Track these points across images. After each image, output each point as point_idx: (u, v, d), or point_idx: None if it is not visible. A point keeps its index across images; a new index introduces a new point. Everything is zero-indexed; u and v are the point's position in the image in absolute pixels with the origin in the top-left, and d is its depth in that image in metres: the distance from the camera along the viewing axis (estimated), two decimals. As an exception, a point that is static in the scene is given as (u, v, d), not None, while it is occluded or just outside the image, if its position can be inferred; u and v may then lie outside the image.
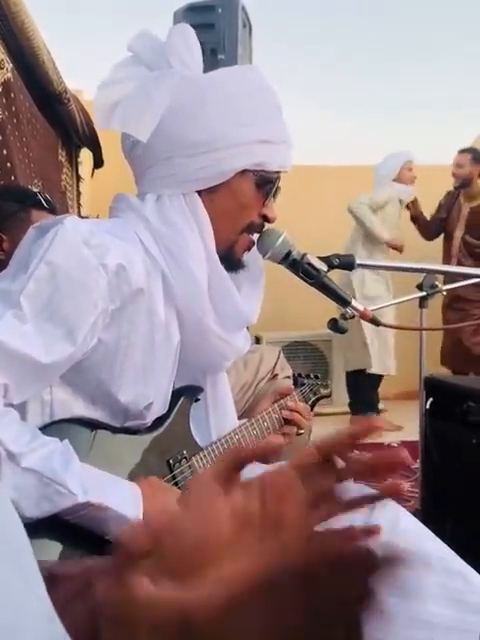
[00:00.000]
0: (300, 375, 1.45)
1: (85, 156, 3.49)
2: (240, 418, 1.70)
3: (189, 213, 1.01)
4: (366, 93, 6.28)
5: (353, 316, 1.73)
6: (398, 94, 6.16)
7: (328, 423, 3.91)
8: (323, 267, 1.05)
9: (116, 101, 1.00)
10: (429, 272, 1.31)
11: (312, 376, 1.46)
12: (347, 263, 1.06)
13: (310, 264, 1.04)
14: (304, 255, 1.05)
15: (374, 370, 3.91)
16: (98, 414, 0.98)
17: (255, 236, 1.08)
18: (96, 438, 0.95)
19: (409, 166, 3.96)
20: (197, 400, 1.15)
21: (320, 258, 1.06)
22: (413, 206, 4.09)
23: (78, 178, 3.41)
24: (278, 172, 1.05)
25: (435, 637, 0.99)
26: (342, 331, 1.76)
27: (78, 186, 3.38)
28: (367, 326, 3.86)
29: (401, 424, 3.89)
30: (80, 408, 0.96)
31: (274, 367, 1.81)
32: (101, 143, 3.31)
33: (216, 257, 1.02)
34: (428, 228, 4.20)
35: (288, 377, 1.85)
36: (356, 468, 0.45)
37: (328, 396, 1.49)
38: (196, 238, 1.00)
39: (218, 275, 1.03)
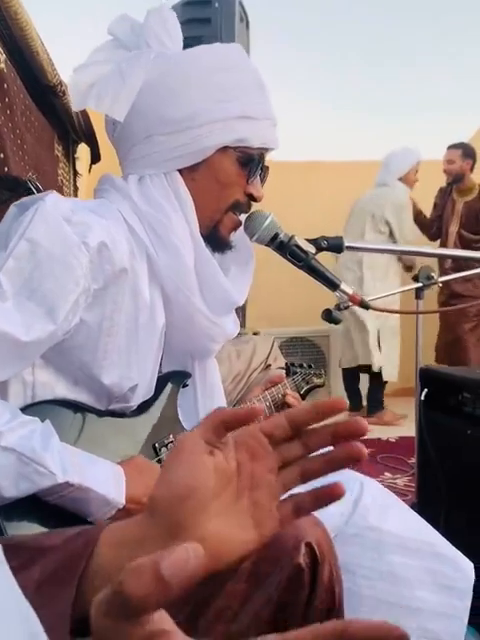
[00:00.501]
0: (293, 364, 1.44)
1: (83, 151, 3.48)
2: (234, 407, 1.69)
3: (171, 193, 1.00)
4: (365, 88, 6.27)
5: (347, 307, 1.72)
6: (398, 89, 6.15)
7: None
8: (311, 249, 1.04)
9: (91, 82, 0.99)
10: (422, 255, 1.30)
11: (305, 365, 1.45)
12: (335, 245, 1.05)
13: (298, 246, 1.03)
14: (291, 237, 1.04)
15: (381, 372, 3.92)
16: (82, 396, 0.97)
17: (243, 217, 1.07)
18: (79, 420, 0.94)
19: (417, 168, 3.96)
20: (185, 386, 1.14)
21: (308, 240, 1.05)
22: (413, 206, 4.09)
23: (75, 173, 3.40)
24: (261, 149, 1.04)
25: (423, 622, 0.98)
26: (336, 322, 1.75)
27: (75, 181, 3.37)
28: (374, 329, 3.88)
29: (403, 419, 3.89)
30: (63, 390, 0.95)
31: (267, 357, 1.80)
32: (98, 138, 3.30)
33: (199, 237, 1.01)
34: (429, 227, 4.21)
35: (281, 368, 1.84)
36: (319, 438, 0.48)
37: (322, 385, 1.48)
38: (179, 217, 0.99)
39: (203, 255, 1.02)
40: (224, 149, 1.01)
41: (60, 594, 0.42)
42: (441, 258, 3.92)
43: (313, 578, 0.77)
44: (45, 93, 2.48)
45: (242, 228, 1.08)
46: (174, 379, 1.12)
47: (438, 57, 6.21)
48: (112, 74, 0.98)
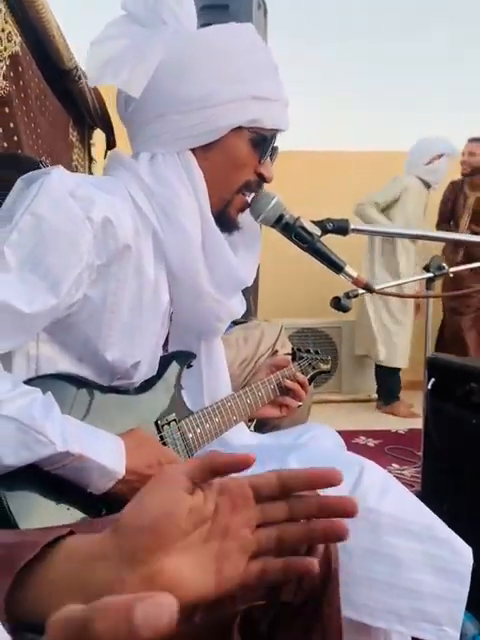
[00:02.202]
0: (299, 349, 1.44)
1: (98, 137, 3.49)
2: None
3: (183, 171, 1.00)
4: (386, 77, 6.20)
5: (356, 295, 1.72)
6: (420, 79, 6.07)
7: (333, 410, 3.92)
8: (316, 231, 1.04)
9: (109, 57, 0.98)
10: (430, 239, 1.30)
11: (312, 351, 1.45)
12: (341, 228, 1.05)
13: (303, 228, 1.03)
14: (297, 219, 1.04)
15: (397, 363, 3.93)
16: (85, 372, 0.97)
17: (250, 198, 1.07)
18: (81, 395, 0.94)
19: (438, 158, 3.90)
20: (190, 366, 1.15)
21: (314, 222, 1.05)
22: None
23: (90, 159, 3.41)
24: (274, 130, 1.04)
25: (421, 605, 0.98)
26: (345, 310, 1.75)
27: (90, 167, 3.39)
28: (388, 319, 3.87)
29: (417, 411, 3.88)
30: (67, 365, 0.96)
31: (274, 343, 1.81)
32: (114, 124, 3.31)
33: (210, 216, 1.02)
34: (442, 222, 4.19)
35: (288, 353, 1.84)
36: (306, 507, 0.47)
37: (328, 371, 1.48)
38: (190, 197, 1.00)
39: (212, 235, 1.02)
40: (238, 129, 1.01)
41: None
42: (453, 252, 3.91)
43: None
44: (61, 78, 2.49)
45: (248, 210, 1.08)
46: (179, 359, 1.12)
47: (463, 50, 6.12)
48: (129, 49, 0.98)
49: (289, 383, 1.26)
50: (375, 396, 4.21)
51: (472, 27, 5.84)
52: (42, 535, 0.45)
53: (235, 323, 2.09)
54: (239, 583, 0.45)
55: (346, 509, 0.46)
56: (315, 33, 5.84)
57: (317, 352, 1.45)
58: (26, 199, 0.87)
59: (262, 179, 1.06)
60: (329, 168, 4.75)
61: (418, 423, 3.36)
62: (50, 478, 0.84)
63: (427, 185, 3.94)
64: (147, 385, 1.07)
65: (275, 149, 1.07)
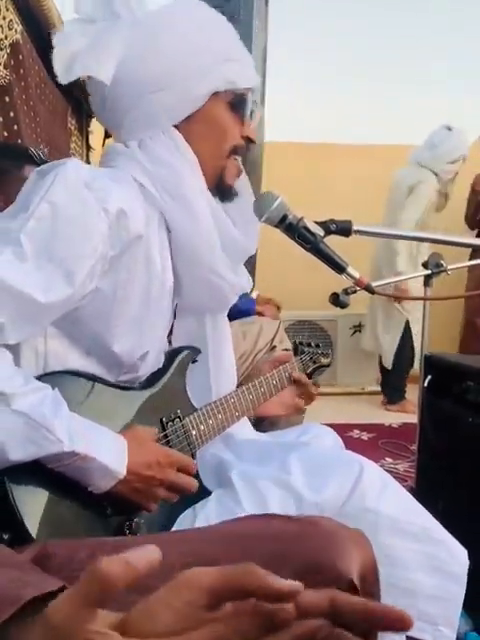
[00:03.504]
0: (301, 343, 1.44)
1: (96, 126, 3.47)
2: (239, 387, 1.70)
3: (174, 148, 1.02)
4: (386, 70, 6.16)
5: (355, 291, 1.73)
6: (422, 72, 6.04)
7: (327, 402, 3.93)
8: (320, 232, 1.04)
9: (72, 53, 0.97)
10: (435, 242, 1.30)
11: (313, 344, 1.45)
12: (344, 228, 1.05)
13: (306, 228, 1.03)
14: (300, 219, 1.03)
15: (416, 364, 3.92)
16: (93, 366, 0.98)
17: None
18: (88, 390, 0.95)
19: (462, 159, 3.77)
20: (195, 361, 1.14)
21: (317, 223, 1.05)
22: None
23: (88, 147, 3.40)
24: (248, 89, 1.07)
25: (418, 605, 1.00)
26: (343, 306, 1.75)
27: (88, 155, 3.37)
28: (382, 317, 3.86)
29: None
30: (75, 360, 0.96)
31: (273, 339, 1.81)
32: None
33: (206, 188, 1.04)
34: (474, 215, 4.11)
35: (287, 349, 1.85)
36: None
37: (328, 365, 1.48)
38: (188, 171, 1.01)
39: (214, 209, 1.04)
40: (215, 95, 1.03)
41: None
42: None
43: None
44: (60, 66, 2.46)
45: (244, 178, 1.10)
46: (184, 354, 1.12)
47: (468, 44, 6.09)
48: (92, 42, 0.98)
49: (302, 376, 1.27)
50: (370, 388, 4.23)
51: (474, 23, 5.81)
52: (34, 585, 0.43)
53: (233, 318, 2.09)
54: None
55: (403, 622, 0.36)
56: (316, 23, 5.80)
57: (318, 345, 1.46)
58: (42, 188, 0.87)
59: (249, 140, 1.09)
60: (329, 160, 4.74)
61: (411, 417, 3.40)
62: (55, 475, 0.85)
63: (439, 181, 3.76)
64: (153, 380, 1.07)
65: (254, 108, 1.09)
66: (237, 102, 1.05)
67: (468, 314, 4.10)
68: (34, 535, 0.82)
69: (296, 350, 1.38)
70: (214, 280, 1.06)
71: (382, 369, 4.09)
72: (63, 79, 0.99)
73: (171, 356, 1.10)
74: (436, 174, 3.74)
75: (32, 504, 0.84)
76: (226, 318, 1.21)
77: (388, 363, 3.92)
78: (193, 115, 1.02)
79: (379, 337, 3.99)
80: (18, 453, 0.79)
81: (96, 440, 0.86)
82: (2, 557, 0.55)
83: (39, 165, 1.57)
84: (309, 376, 1.38)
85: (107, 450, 0.87)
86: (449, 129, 3.74)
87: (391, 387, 4.01)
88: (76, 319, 0.94)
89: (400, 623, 0.37)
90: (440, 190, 3.82)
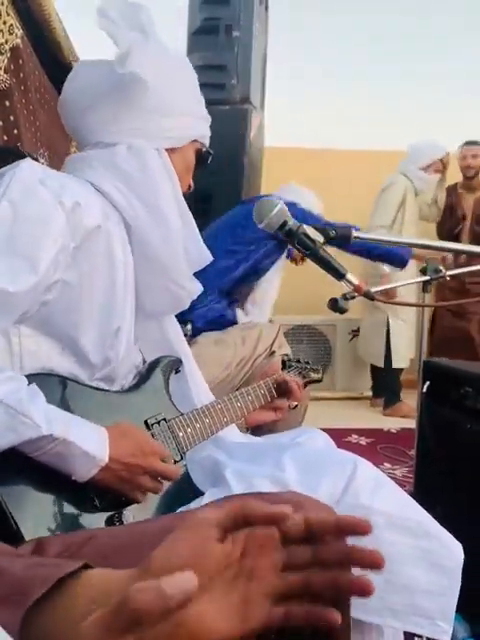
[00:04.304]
0: (290, 359, 1.45)
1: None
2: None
3: (161, 165, 1.09)
4: (385, 77, 6.19)
5: (354, 296, 1.73)
6: (420, 80, 6.06)
7: (325, 407, 3.93)
8: (319, 238, 1.04)
9: (130, 44, 1.04)
10: (432, 249, 1.30)
11: (302, 361, 1.46)
12: (343, 235, 1.05)
13: (306, 235, 1.04)
14: (300, 226, 1.04)
15: (398, 363, 3.92)
16: (67, 363, 1.00)
17: None
18: (69, 393, 0.96)
19: (439, 162, 3.86)
20: (177, 371, 1.16)
21: (317, 229, 1.06)
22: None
23: (88, 152, 3.39)
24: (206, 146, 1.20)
25: (414, 600, 1.00)
26: (342, 311, 1.75)
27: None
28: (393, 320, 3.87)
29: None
30: (51, 358, 0.98)
31: (272, 344, 1.82)
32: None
33: (182, 198, 1.12)
34: (442, 227, 4.19)
35: (286, 354, 1.85)
36: (331, 556, 0.47)
37: (319, 381, 1.49)
38: (169, 187, 1.09)
39: (187, 215, 1.12)
40: (193, 141, 1.16)
41: (5, 622, 0.41)
42: (455, 254, 3.90)
43: None
44: (60, 70, 2.47)
45: None
46: (165, 362, 1.15)
47: (466, 51, 6.11)
48: (141, 45, 1.05)
49: (286, 378, 1.28)
50: (368, 393, 4.23)
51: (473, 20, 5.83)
52: (57, 567, 0.45)
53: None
54: (261, 627, 0.45)
55: (374, 562, 0.46)
56: (316, 29, 5.82)
57: (308, 362, 1.47)
58: (0, 189, 0.93)
59: (188, 189, 1.20)
60: (329, 165, 4.75)
61: (410, 423, 3.40)
62: (38, 468, 0.86)
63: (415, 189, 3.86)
64: (134, 385, 1.09)
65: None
66: (203, 154, 1.19)
67: (453, 318, 4.12)
68: (23, 531, 0.83)
69: (284, 365, 1.39)
70: (173, 288, 1.12)
71: (373, 375, 4.13)
72: (119, 65, 1.04)
73: (152, 365, 1.13)
74: (411, 180, 3.85)
75: (19, 500, 0.85)
76: (175, 320, 1.26)
77: (401, 363, 3.94)
78: (174, 150, 1.12)
79: (368, 340, 4.00)
80: None
81: (75, 426, 0.88)
82: (8, 550, 0.57)
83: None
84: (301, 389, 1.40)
85: (87, 436, 0.89)
86: (432, 140, 3.89)
87: (386, 390, 4.02)
88: (47, 315, 0.97)
89: (363, 528, 0.46)
90: (425, 200, 3.93)
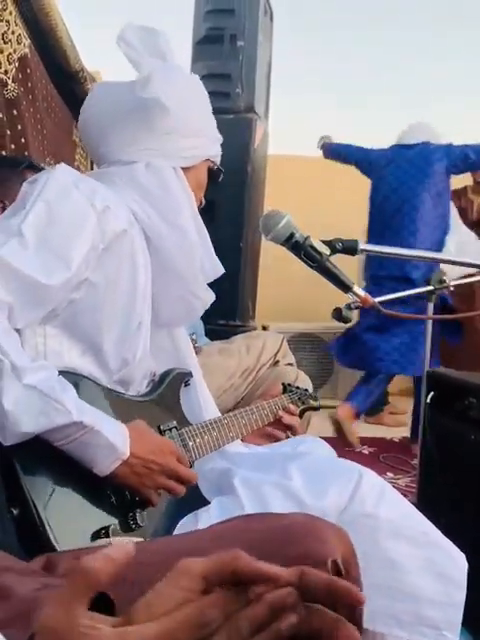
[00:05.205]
0: (289, 385, 1.46)
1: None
2: (242, 401, 1.72)
3: (178, 182, 1.13)
4: (391, 85, 6.21)
5: (358, 306, 1.73)
6: (419, 85, 6.08)
7: (328, 416, 3.92)
8: (326, 251, 1.05)
9: (150, 71, 1.09)
10: (436, 261, 1.31)
11: (302, 388, 1.47)
12: (350, 248, 1.06)
13: (313, 247, 1.04)
14: (307, 238, 1.05)
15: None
16: (88, 365, 1.03)
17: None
18: (89, 392, 0.98)
19: None
20: (187, 384, 1.18)
21: (323, 242, 1.06)
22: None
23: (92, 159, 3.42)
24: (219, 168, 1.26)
25: (420, 609, 0.99)
26: (346, 321, 1.75)
27: (92, 167, 3.39)
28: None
29: (405, 419, 3.89)
30: (72, 359, 1.01)
31: (276, 354, 1.82)
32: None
33: (198, 213, 1.17)
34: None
35: (290, 364, 1.86)
36: (321, 620, 0.43)
37: (316, 409, 1.50)
38: (188, 203, 1.13)
39: (202, 228, 1.16)
40: (206, 160, 1.21)
41: None
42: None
43: None
44: (66, 79, 2.49)
45: None
46: (175, 373, 1.17)
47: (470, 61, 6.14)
48: (162, 71, 1.10)
49: (287, 419, 1.30)
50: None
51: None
52: (46, 588, 0.45)
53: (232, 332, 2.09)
54: None
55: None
56: (320, 38, 5.85)
57: (306, 390, 1.48)
58: (36, 189, 0.98)
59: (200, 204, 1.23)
60: (333, 173, 4.76)
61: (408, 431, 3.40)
62: (61, 459, 0.88)
63: None
64: (148, 392, 1.12)
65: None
66: (214, 171, 1.23)
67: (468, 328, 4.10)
68: (43, 516, 0.85)
69: (284, 390, 1.41)
70: (189, 298, 1.15)
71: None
72: (140, 90, 1.09)
73: (164, 375, 1.16)
74: None
75: (40, 486, 0.88)
76: (185, 333, 1.28)
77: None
78: (188, 168, 1.16)
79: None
80: (29, 425, 0.84)
81: (100, 418, 0.91)
82: (18, 566, 0.57)
83: (39, 169, 1.58)
84: (300, 415, 1.41)
85: (112, 428, 0.91)
86: None
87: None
88: (72, 315, 1.01)
89: (356, 600, 0.42)
90: None
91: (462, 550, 1.07)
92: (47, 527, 0.85)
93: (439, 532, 1.05)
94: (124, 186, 1.10)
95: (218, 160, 1.25)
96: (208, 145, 1.21)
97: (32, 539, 0.84)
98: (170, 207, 1.11)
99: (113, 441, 0.89)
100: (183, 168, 1.15)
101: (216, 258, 1.20)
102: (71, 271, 0.95)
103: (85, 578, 0.38)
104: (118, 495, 0.96)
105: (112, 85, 1.19)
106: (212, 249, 1.19)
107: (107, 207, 1.00)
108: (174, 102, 1.10)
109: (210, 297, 1.19)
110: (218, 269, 1.20)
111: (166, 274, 1.12)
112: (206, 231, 1.18)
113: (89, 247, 0.98)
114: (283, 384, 1.43)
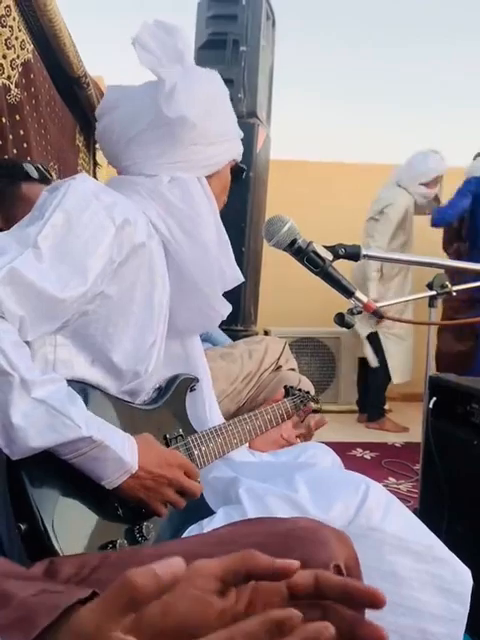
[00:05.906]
0: (292, 387, 1.46)
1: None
2: (244, 406, 1.72)
3: (203, 194, 1.11)
4: (391, 90, 6.23)
5: (360, 311, 1.73)
6: (420, 89, 6.10)
7: (330, 420, 3.91)
8: (328, 256, 1.05)
9: (172, 83, 1.07)
10: (439, 267, 1.31)
11: (303, 391, 1.47)
12: (353, 253, 1.06)
13: (315, 253, 1.04)
14: (309, 243, 1.05)
15: (394, 378, 3.91)
16: (96, 375, 1.02)
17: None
18: (97, 402, 0.98)
19: (440, 178, 3.89)
20: (193, 389, 1.17)
21: (326, 247, 1.06)
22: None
23: (95, 163, 3.43)
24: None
25: (424, 624, 0.99)
26: (348, 326, 1.75)
27: (95, 172, 3.39)
28: (390, 335, 3.86)
29: (406, 425, 3.89)
30: (81, 369, 1.00)
31: (278, 358, 1.81)
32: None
33: (220, 221, 1.14)
34: (448, 246, 4.17)
35: (293, 369, 1.85)
36: (339, 618, 0.43)
37: (317, 411, 1.51)
38: (210, 215, 1.11)
39: (223, 236, 1.14)
40: (230, 161, 1.18)
41: None
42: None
43: None
44: (70, 84, 2.50)
45: None
46: (181, 379, 1.16)
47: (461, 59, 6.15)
48: (185, 81, 1.08)
49: (309, 432, 1.35)
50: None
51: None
52: (65, 594, 0.44)
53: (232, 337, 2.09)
54: None
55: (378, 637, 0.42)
56: (322, 44, 5.87)
57: (308, 393, 1.48)
58: (55, 199, 0.96)
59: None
60: (335, 178, 4.77)
61: (413, 437, 3.39)
62: (69, 473, 0.88)
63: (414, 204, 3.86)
64: (155, 399, 1.12)
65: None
66: (237, 170, 1.22)
67: (464, 333, 4.09)
68: (50, 531, 0.85)
69: (287, 393, 1.41)
70: (206, 310, 1.15)
71: (359, 388, 4.12)
72: (165, 107, 1.07)
73: (171, 381, 1.15)
74: (411, 194, 3.86)
75: (47, 501, 0.87)
76: (199, 340, 1.27)
77: (396, 378, 3.92)
78: (212, 174, 1.14)
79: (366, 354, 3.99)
80: (38, 440, 0.83)
81: (109, 432, 0.90)
82: (19, 572, 0.57)
83: (36, 180, 1.57)
84: (301, 420, 1.42)
85: (121, 442, 0.90)
86: (435, 152, 3.87)
87: (370, 405, 4.01)
88: (84, 325, 0.99)
89: (374, 599, 0.42)
90: (421, 213, 3.94)
91: (463, 555, 1.06)
92: (54, 541, 0.85)
93: (444, 547, 1.05)
94: (147, 197, 1.08)
95: (240, 158, 1.22)
96: (232, 148, 1.18)
97: (40, 553, 0.83)
98: (193, 221, 1.09)
99: (121, 454, 0.89)
100: (209, 174, 1.14)
101: (236, 266, 1.19)
102: (87, 285, 0.93)
103: (129, 592, 0.37)
104: (125, 508, 0.95)
105: (128, 90, 1.14)
106: (232, 256, 1.17)
107: (126, 220, 0.98)
108: (198, 113, 1.08)
109: (227, 309, 1.18)
110: (238, 277, 1.19)
111: (184, 286, 1.11)
112: (227, 238, 1.16)
113: (106, 261, 0.96)
114: (285, 387, 1.43)
